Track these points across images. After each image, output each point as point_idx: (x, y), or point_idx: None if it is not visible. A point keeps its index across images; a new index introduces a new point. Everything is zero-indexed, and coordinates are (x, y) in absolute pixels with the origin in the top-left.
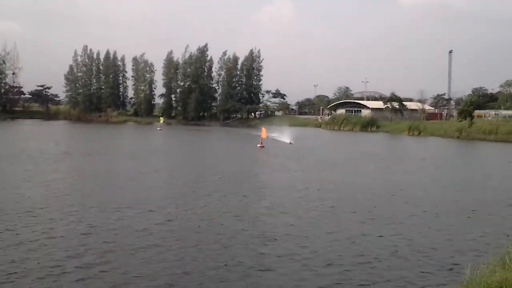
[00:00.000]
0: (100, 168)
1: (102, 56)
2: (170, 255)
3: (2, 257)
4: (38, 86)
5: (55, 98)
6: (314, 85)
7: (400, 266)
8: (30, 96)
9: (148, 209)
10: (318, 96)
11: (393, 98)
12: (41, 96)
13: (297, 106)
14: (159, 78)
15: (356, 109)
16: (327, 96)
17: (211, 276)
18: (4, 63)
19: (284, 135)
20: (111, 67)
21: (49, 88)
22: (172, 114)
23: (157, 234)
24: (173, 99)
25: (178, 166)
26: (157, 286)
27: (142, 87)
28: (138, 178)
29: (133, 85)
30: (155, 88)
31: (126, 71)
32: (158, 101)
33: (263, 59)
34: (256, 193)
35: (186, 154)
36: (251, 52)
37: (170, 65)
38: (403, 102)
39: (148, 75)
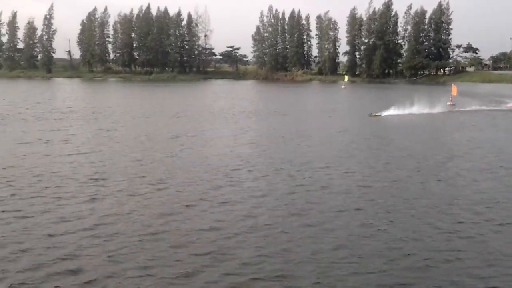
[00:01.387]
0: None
1: (287, 16)
2: None
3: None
4: (228, 47)
5: (243, 59)
6: (510, 38)
7: None
8: (221, 57)
9: None
10: None
11: None
12: (231, 56)
13: (491, 61)
14: (342, 36)
15: None
16: None
17: None
18: (197, 25)
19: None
20: (295, 26)
21: (238, 49)
22: (357, 72)
23: None
24: (357, 56)
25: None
26: None
27: (326, 46)
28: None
29: (317, 43)
30: (339, 46)
31: (310, 30)
32: (342, 59)
33: (452, 12)
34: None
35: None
36: (440, 4)
37: (354, 21)
38: None
39: (332, 33)
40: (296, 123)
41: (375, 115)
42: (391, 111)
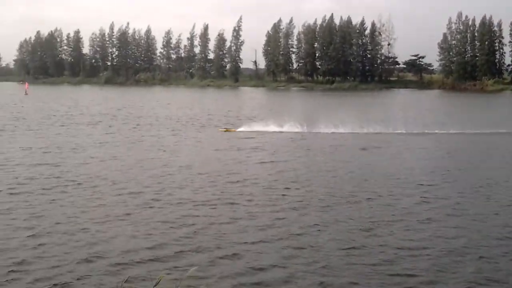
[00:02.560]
0: None
1: (477, 23)
2: None
3: None
4: (412, 55)
5: (428, 67)
6: None
7: None
8: (404, 66)
9: None
10: None
11: None
12: (415, 65)
13: None
14: None
15: None
16: None
17: None
18: (380, 34)
19: None
20: (486, 33)
21: (422, 57)
22: None
23: None
24: None
25: None
26: None
27: None
28: None
29: (510, 51)
30: None
31: (502, 37)
32: None
33: None
34: None
35: None
36: None
37: None
38: None
39: None
40: None
41: None
42: None
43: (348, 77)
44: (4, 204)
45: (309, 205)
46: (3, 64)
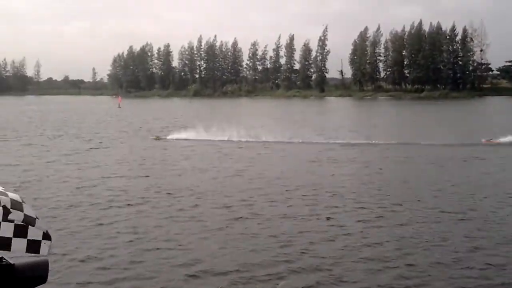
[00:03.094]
0: None
1: None
2: None
3: None
4: (507, 61)
5: None
6: None
7: None
8: (498, 73)
9: None
10: None
11: None
12: (510, 72)
13: None
14: None
15: None
16: None
17: None
18: (472, 40)
19: None
20: None
21: None
22: None
23: None
24: None
25: None
26: None
27: None
28: None
29: None
30: None
31: None
32: None
33: None
34: None
35: None
36: None
37: None
38: None
39: None
40: None
41: None
42: None
43: (438, 85)
44: (100, 216)
45: (412, 221)
46: (98, 79)
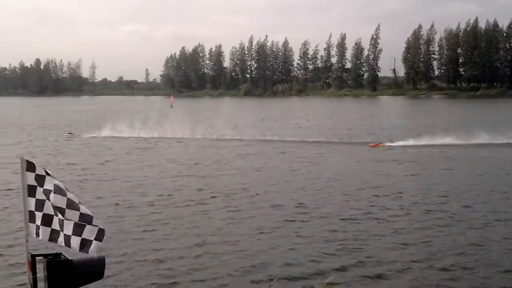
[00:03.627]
0: None
1: None
2: None
3: None
4: None
5: None
6: None
7: None
8: None
9: None
10: None
11: None
12: None
13: None
14: None
15: None
16: None
17: None
18: None
19: None
20: None
21: None
22: None
23: None
24: None
25: None
26: None
27: None
28: None
29: None
30: None
31: None
32: None
33: None
34: None
35: None
36: None
37: None
38: None
39: None
40: None
41: None
42: None
43: (494, 84)
44: (154, 216)
45: (461, 223)
46: (151, 79)
